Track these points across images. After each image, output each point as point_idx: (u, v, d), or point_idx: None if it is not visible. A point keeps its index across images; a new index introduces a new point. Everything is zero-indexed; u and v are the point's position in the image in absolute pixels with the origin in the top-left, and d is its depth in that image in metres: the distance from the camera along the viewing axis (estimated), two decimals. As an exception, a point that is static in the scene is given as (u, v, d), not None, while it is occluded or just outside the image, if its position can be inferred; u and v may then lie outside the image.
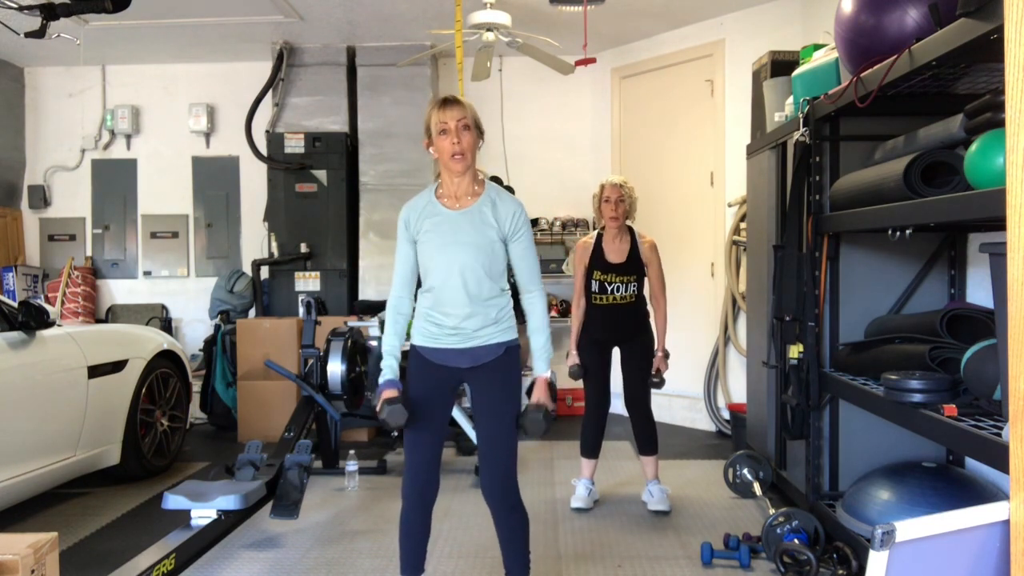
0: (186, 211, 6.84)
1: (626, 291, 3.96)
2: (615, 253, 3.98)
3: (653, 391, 4.06)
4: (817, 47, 3.85)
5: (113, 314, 6.78)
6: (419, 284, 2.71)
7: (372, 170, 6.32)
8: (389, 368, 2.61)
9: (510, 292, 2.68)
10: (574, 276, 4.08)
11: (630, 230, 4.04)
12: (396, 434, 5.13)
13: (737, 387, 5.64)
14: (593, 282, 3.97)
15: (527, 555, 2.66)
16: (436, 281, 2.58)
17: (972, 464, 3.32)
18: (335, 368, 4.30)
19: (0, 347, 3.62)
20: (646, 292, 4.05)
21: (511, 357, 2.64)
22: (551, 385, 2.63)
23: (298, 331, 5.67)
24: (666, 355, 4.05)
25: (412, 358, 2.67)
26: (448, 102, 2.54)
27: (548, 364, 2.65)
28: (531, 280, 2.65)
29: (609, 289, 3.95)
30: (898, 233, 2.76)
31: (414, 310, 2.73)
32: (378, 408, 2.56)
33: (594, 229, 4.28)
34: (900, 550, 1.51)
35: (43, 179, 6.85)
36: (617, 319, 3.99)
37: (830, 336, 3.51)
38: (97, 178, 6.85)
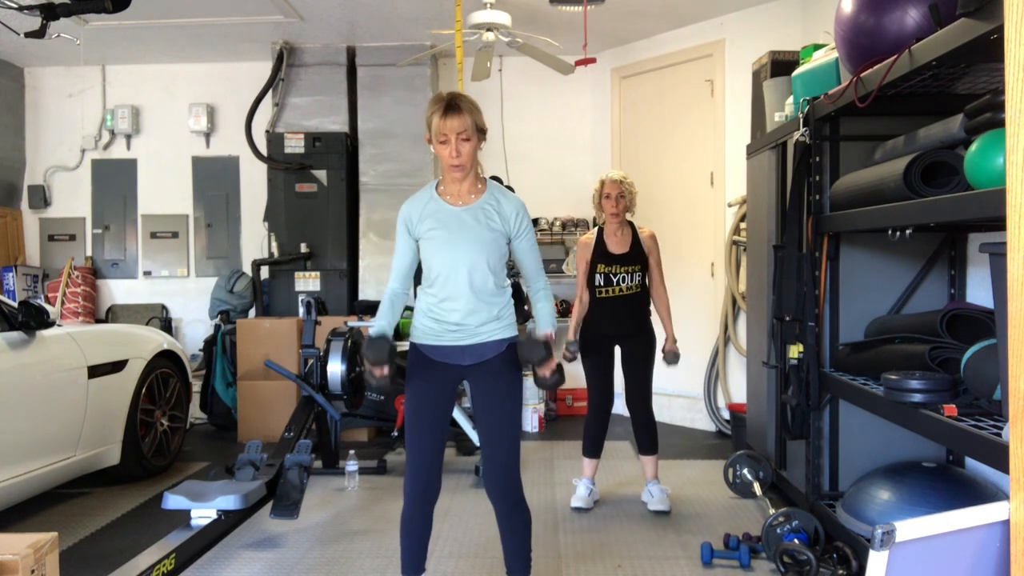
0: (186, 211, 6.84)
1: (631, 281, 3.98)
2: (617, 244, 4.00)
3: (655, 389, 4.07)
4: (817, 47, 3.85)
5: (113, 314, 6.78)
6: (419, 281, 2.72)
7: (372, 170, 6.32)
8: (378, 327, 2.63)
9: (511, 290, 2.69)
10: (576, 272, 4.10)
11: (630, 223, 4.06)
12: (396, 434, 5.14)
13: (737, 387, 5.64)
14: (598, 275, 3.99)
15: (528, 552, 2.67)
16: (440, 277, 2.58)
17: (972, 464, 3.32)
18: (335, 368, 4.29)
19: (0, 347, 3.62)
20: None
21: (512, 354, 2.64)
22: (548, 345, 2.59)
23: (298, 331, 5.66)
24: (675, 342, 4.07)
25: (412, 356, 2.67)
26: (450, 109, 2.51)
27: (551, 326, 2.66)
28: (536, 274, 2.71)
29: (615, 280, 3.97)
30: (898, 233, 2.76)
31: (410, 307, 2.74)
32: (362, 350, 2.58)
33: (595, 226, 4.30)
34: (900, 550, 1.51)
35: (43, 179, 6.85)
36: (623, 311, 3.99)
37: (830, 336, 3.51)
38: (97, 178, 6.85)
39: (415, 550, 2.67)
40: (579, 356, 4.09)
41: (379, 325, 2.65)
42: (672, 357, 4.05)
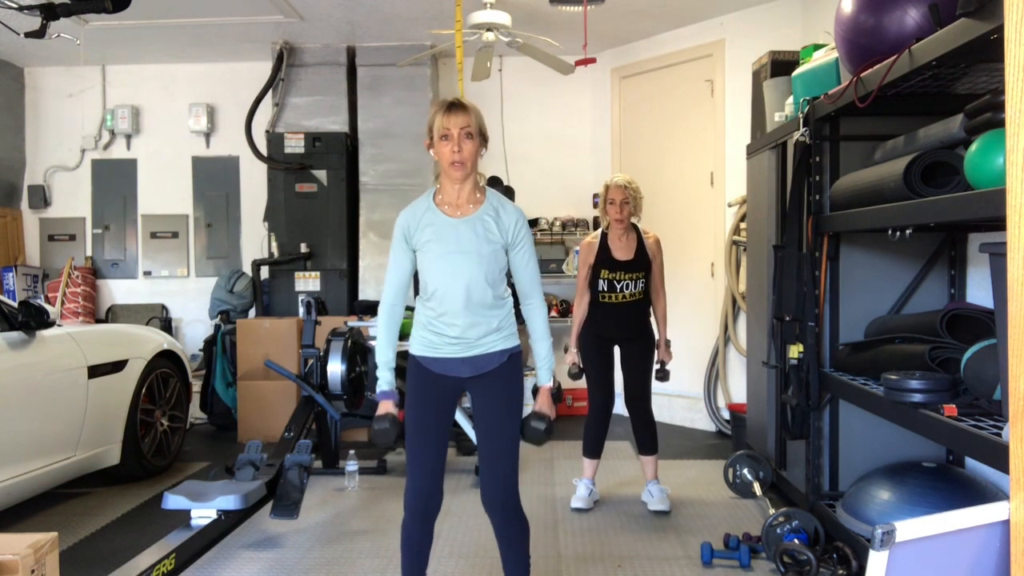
0: (186, 211, 6.85)
1: (635, 288, 3.97)
2: (622, 251, 3.99)
3: (654, 389, 4.07)
4: (817, 47, 3.85)
5: (113, 314, 6.78)
6: (416, 292, 2.68)
7: (372, 170, 6.32)
8: (385, 381, 2.58)
9: (511, 298, 2.64)
10: (577, 275, 4.09)
11: (635, 227, 4.05)
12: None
13: (737, 387, 5.64)
14: (601, 281, 3.97)
15: (527, 560, 2.61)
16: (438, 290, 2.52)
17: (972, 464, 3.32)
18: (335, 368, 4.30)
19: (0, 347, 3.62)
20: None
21: (513, 364, 2.59)
22: (555, 394, 2.63)
23: (298, 331, 5.66)
24: (668, 344, 4.09)
25: (411, 368, 2.61)
26: (453, 107, 2.47)
27: (551, 374, 2.63)
28: (532, 288, 2.62)
29: (619, 287, 3.96)
30: (898, 233, 2.76)
31: (410, 307, 2.71)
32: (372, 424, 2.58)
33: (597, 228, 4.29)
34: (900, 550, 1.51)
35: (43, 179, 6.85)
36: (625, 316, 3.99)
37: (830, 336, 3.51)
38: (97, 178, 6.85)
39: (415, 560, 2.61)
40: (581, 352, 4.09)
41: (383, 360, 2.59)
42: (663, 375, 4.08)
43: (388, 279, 2.62)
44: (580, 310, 4.05)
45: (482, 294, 2.52)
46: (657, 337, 4.09)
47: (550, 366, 2.63)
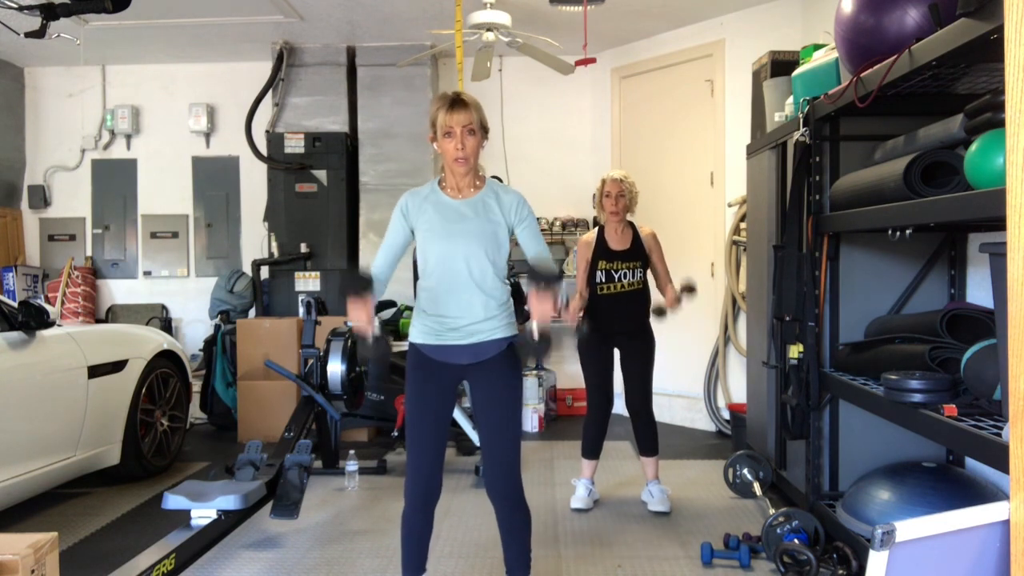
0: (186, 211, 6.85)
1: (633, 277, 3.98)
2: (618, 242, 4.01)
3: (654, 390, 4.08)
4: (817, 47, 3.85)
5: (113, 314, 6.78)
6: (416, 278, 2.72)
7: (372, 170, 6.32)
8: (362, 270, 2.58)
9: (511, 288, 2.68)
10: (576, 272, 4.10)
11: (630, 223, 4.07)
12: (396, 434, 5.13)
13: (737, 387, 5.64)
14: (599, 272, 3.98)
15: (528, 552, 2.67)
16: (438, 269, 2.57)
17: (972, 464, 3.32)
18: (335, 368, 4.30)
19: (0, 347, 3.62)
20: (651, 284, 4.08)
21: (512, 353, 2.63)
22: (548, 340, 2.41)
23: (298, 331, 5.66)
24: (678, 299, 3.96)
25: (411, 357, 2.66)
26: (455, 104, 2.53)
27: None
28: (545, 255, 2.63)
29: (616, 276, 3.97)
30: (898, 233, 2.76)
31: (410, 307, 2.72)
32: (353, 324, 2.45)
33: (595, 226, 4.30)
34: (900, 550, 1.51)
35: (43, 179, 6.85)
36: (624, 308, 3.99)
37: (830, 336, 3.51)
38: (97, 178, 6.85)
39: (416, 550, 2.68)
40: (579, 353, 4.09)
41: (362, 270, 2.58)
42: (686, 292, 3.91)
43: (379, 255, 2.68)
44: (580, 300, 4.05)
45: (481, 270, 2.56)
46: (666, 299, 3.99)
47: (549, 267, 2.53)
